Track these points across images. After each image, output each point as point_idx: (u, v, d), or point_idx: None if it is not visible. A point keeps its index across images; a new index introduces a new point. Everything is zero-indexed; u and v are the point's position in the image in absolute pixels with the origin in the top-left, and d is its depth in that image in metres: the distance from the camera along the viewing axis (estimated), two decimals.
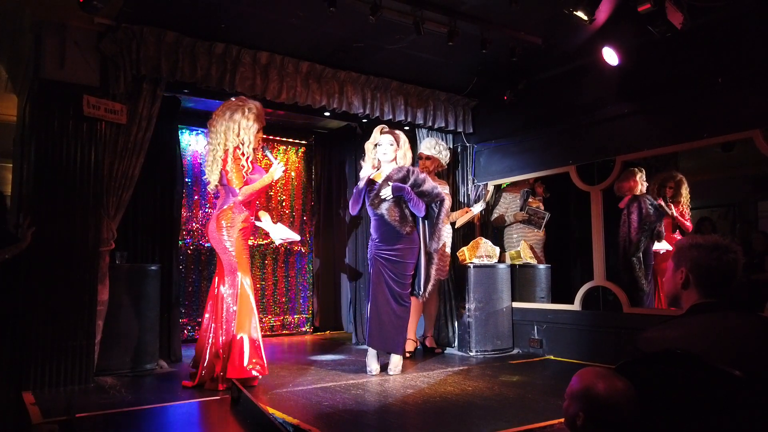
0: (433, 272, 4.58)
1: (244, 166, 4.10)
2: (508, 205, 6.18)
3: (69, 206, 4.06)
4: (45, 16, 4.06)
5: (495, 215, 6.20)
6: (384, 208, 4.46)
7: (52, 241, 3.97)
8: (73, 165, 4.09)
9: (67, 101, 4.09)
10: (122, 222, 4.42)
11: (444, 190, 5.60)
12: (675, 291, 1.87)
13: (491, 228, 6.27)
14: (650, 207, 5.42)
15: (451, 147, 6.23)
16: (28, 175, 4.21)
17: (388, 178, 4.50)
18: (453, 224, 5.78)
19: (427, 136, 5.99)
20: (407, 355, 5.20)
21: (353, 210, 4.65)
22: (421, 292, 4.56)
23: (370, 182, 4.58)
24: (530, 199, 6.10)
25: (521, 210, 6.07)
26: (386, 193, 4.44)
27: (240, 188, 4.06)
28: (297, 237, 4.53)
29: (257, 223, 4.38)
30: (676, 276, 1.85)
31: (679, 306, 1.88)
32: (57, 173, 4.04)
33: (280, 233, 4.40)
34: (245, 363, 3.91)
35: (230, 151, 4.07)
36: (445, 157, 5.75)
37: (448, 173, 6.14)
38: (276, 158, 4.32)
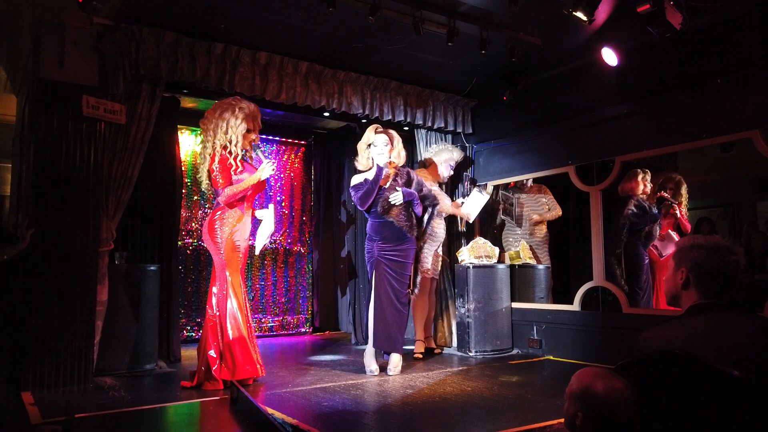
0: (420, 268, 4.75)
1: (231, 165, 4.09)
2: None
3: (68, 206, 4.06)
4: (44, 16, 4.06)
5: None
6: (393, 213, 4.47)
7: (51, 241, 3.97)
8: (72, 165, 4.09)
9: (67, 101, 4.09)
10: (121, 222, 4.42)
11: (438, 189, 5.64)
12: (675, 291, 1.87)
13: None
14: (634, 208, 5.44)
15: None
16: (28, 175, 4.20)
17: (394, 183, 4.53)
18: (448, 224, 5.78)
19: (426, 137, 6.00)
20: (421, 356, 5.24)
21: (364, 205, 4.53)
22: (410, 288, 4.65)
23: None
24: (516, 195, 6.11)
25: (496, 199, 6.08)
26: (397, 199, 4.46)
27: (224, 189, 4.06)
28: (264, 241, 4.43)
29: (257, 212, 4.35)
30: (676, 276, 1.85)
31: (678, 305, 1.88)
32: (56, 173, 4.04)
33: (263, 237, 4.35)
34: (237, 364, 3.91)
35: (218, 150, 4.07)
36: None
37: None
38: (267, 158, 4.28)
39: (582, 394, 1.53)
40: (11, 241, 4.04)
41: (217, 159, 4.06)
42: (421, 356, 5.25)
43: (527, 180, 6.05)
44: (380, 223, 4.52)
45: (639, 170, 5.53)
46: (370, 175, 4.56)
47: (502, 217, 6.17)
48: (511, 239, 6.11)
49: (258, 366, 4.04)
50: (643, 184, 5.53)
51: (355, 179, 4.66)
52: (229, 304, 3.99)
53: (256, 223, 4.38)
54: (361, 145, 4.68)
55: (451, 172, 5.74)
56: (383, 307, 4.45)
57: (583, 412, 1.51)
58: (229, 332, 3.95)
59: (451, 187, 6.17)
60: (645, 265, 5.52)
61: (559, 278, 6.11)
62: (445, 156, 5.68)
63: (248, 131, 4.16)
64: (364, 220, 5.50)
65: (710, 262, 1.78)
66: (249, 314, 4.17)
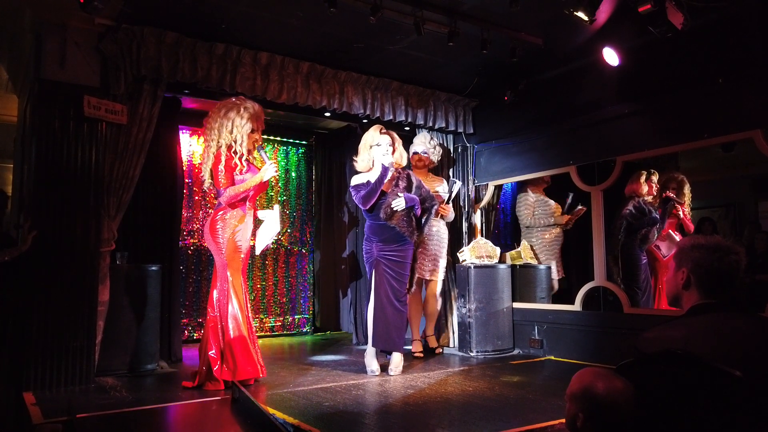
0: (416, 266, 4.74)
1: (236, 165, 4.08)
2: (535, 206, 6.09)
3: (69, 206, 4.06)
4: (45, 16, 4.06)
5: (526, 215, 6.12)
6: (395, 219, 4.47)
7: (53, 241, 3.97)
8: (73, 165, 4.09)
9: (68, 102, 4.09)
10: (123, 222, 4.42)
11: (440, 186, 5.61)
12: (676, 291, 1.88)
13: (518, 227, 6.27)
14: (632, 209, 5.47)
15: (452, 147, 6.22)
16: (29, 175, 4.21)
17: (396, 189, 4.53)
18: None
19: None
20: (422, 355, 5.24)
21: (366, 204, 4.48)
22: (407, 287, 4.63)
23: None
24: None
25: (567, 213, 6.02)
26: (399, 205, 4.45)
27: (226, 189, 4.06)
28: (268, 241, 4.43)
29: (260, 213, 4.35)
30: (677, 276, 1.86)
31: (680, 306, 1.88)
32: (58, 173, 4.04)
33: (265, 238, 4.34)
34: (238, 365, 3.91)
35: (223, 149, 4.07)
36: (438, 153, 5.72)
37: (441, 170, 6.07)
38: (270, 159, 4.27)
39: (582, 394, 1.53)
40: (11, 242, 4.05)
41: (223, 159, 4.05)
42: (421, 355, 5.25)
43: (548, 178, 6.03)
44: (381, 225, 4.52)
45: (644, 171, 5.55)
46: (373, 176, 4.54)
47: (551, 222, 6.04)
48: (534, 243, 6.07)
49: (259, 366, 4.05)
50: (648, 185, 5.56)
51: (356, 179, 4.64)
52: (230, 305, 3.99)
53: (258, 223, 4.38)
54: (362, 146, 4.65)
55: (416, 160, 5.57)
56: (383, 307, 4.46)
57: (584, 412, 1.52)
58: (230, 332, 3.95)
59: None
60: (642, 265, 5.53)
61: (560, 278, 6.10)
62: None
63: (252, 131, 4.15)
64: (365, 221, 5.51)
65: (711, 262, 1.79)
66: (250, 314, 4.17)
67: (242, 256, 4.12)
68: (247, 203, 4.18)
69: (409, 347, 5.38)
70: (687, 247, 1.86)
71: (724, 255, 1.78)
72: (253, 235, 4.30)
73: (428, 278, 5.50)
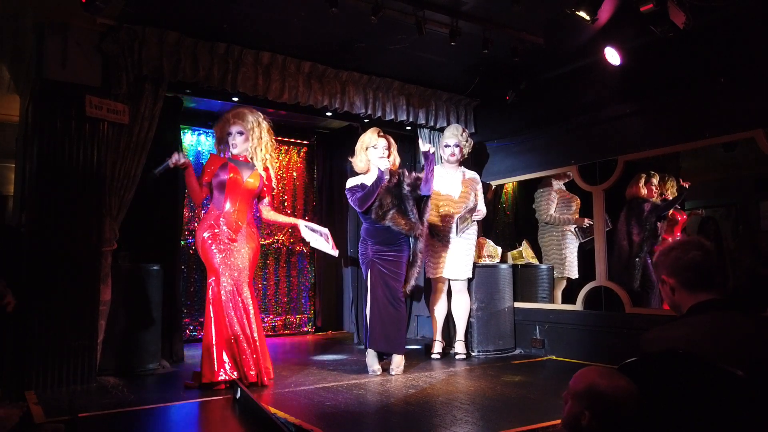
0: (418, 263, 4.59)
1: (214, 166, 4.27)
2: (557, 201, 5.99)
3: (71, 206, 4.06)
4: (47, 16, 4.07)
5: (545, 211, 6.05)
6: (388, 218, 4.44)
7: (55, 241, 3.97)
8: (75, 165, 4.10)
9: (70, 101, 4.09)
10: (124, 222, 4.41)
11: (476, 177, 5.52)
12: (670, 301, 1.91)
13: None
14: (648, 212, 5.49)
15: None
16: (31, 174, 4.21)
17: (388, 189, 4.48)
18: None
19: (429, 137, 5.96)
20: (439, 356, 5.20)
21: (363, 206, 4.46)
22: (404, 286, 4.57)
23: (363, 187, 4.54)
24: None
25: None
26: (382, 164, 4.41)
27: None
28: (331, 251, 4.57)
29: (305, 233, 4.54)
30: (664, 288, 1.89)
31: (681, 313, 1.89)
32: (59, 173, 4.04)
33: (320, 243, 4.54)
34: (215, 367, 3.84)
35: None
36: (469, 146, 5.57)
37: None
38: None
39: (587, 392, 1.53)
40: (13, 236, 4.04)
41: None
42: (438, 356, 5.20)
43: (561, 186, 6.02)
44: (377, 228, 4.50)
45: (643, 174, 5.56)
46: (368, 179, 4.53)
47: (572, 220, 6.01)
48: (556, 240, 6.06)
49: (224, 369, 3.87)
50: (647, 188, 5.58)
51: (350, 182, 4.62)
52: (211, 307, 3.96)
53: (259, 222, 4.38)
54: (359, 147, 4.65)
55: (449, 154, 5.47)
56: (380, 308, 4.44)
57: (590, 410, 1.51)
58: (211, 335, 3.91)
59: None
60: (650, 264, 5.53)
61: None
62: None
63: (228, 134, 4.28)
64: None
65: (676, 258, 1.83)
66: (247, 314, 4.04)
67: (218, 255, 3.99)
68: (227, 200, 4.13)
69: (413, 347, 5.37)
70: (659, 257, 1.91)
71: (689, 249, 1.82)
72: (237, 231, 4.16)
73: (455, 278, 5.33)
